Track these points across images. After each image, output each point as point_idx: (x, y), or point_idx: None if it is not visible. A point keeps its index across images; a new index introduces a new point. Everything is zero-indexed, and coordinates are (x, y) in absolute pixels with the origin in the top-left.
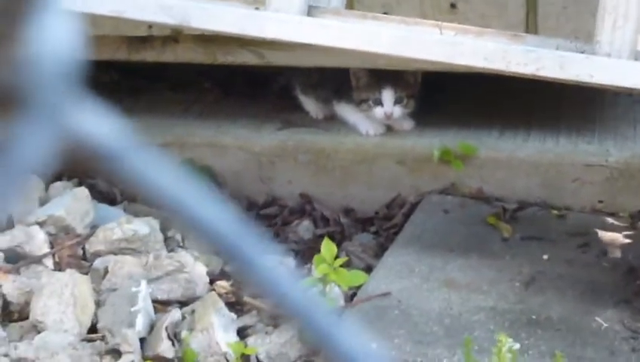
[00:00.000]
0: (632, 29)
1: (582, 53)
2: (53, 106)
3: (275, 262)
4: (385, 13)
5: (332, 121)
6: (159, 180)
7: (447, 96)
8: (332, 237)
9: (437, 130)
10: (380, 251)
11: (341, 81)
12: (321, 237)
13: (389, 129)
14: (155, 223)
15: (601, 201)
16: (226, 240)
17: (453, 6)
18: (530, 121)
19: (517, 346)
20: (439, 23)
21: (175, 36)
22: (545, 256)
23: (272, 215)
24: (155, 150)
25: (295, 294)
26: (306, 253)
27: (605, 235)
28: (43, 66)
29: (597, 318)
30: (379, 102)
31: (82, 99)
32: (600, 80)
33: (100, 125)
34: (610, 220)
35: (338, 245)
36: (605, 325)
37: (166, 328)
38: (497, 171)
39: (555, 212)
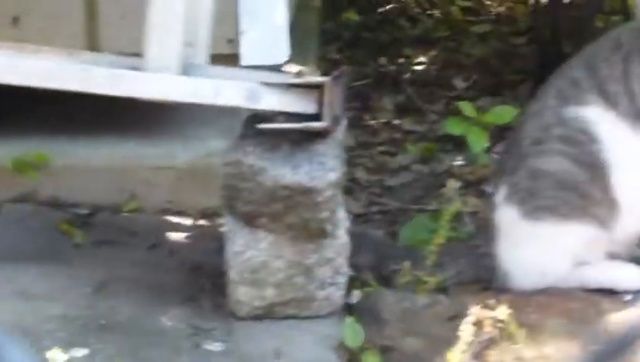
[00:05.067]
0: (177, 43)
1: (135, 69)
2: None
3: None
4: None
5: None
6: None
7: (23, 107)
8: None
9: (10, 140)
10: None
11: None
12: None
13: None
14: None
15: (170, 201)
16: None
17: (15, 20)
18: (104, 127)
19: (82, 353)
20: None
21: None
22: (116, 260)
23: None
24: None
25: None
26: None
27: (173, 235)
28: None
29: (162, 318)
30: None
31: None
32: (150, 96)
33: None
34: (179, 220)
35: None
36: (170, 324)
37: None
38: (72, 178)
39: (127, 214)
